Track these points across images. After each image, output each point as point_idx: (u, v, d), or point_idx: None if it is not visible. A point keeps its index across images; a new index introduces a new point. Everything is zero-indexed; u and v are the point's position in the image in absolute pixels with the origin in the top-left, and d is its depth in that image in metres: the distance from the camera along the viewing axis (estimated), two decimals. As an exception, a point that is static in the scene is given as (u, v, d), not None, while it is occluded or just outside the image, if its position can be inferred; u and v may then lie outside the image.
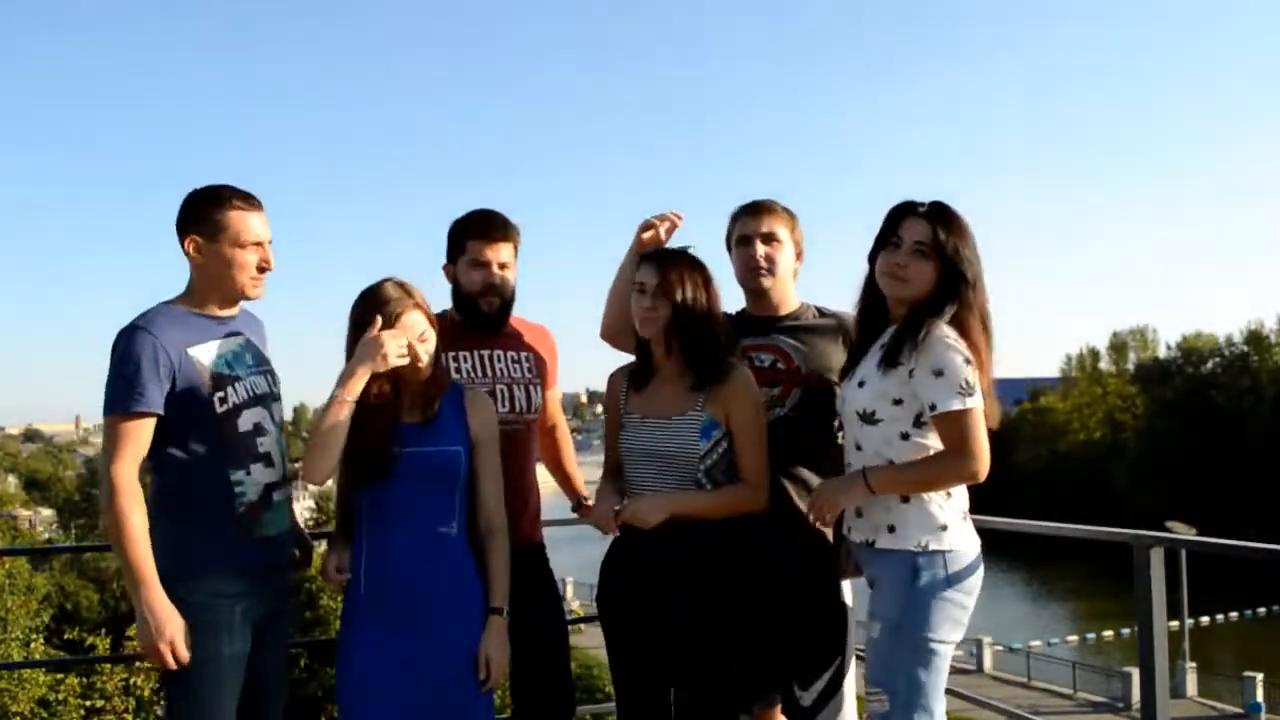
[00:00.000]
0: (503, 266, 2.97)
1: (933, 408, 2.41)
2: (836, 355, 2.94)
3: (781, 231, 3.02)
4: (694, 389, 2.69)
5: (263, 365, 2.73)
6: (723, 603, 2.67)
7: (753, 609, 2.74)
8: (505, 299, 3.00)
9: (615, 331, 2.97)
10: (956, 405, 2.38)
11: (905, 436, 2.48)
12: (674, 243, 2.91)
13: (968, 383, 2.39)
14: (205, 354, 2.57)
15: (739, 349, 2.96)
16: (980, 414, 2.42)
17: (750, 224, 3.02)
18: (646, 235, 2.94)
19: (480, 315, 2.97)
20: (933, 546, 2.45)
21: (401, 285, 2.61)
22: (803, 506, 2.85)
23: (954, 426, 2.40)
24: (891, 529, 2.48)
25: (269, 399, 2.70)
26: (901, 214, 2.55)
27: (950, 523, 2.48)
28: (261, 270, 2.63)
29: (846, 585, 2.99)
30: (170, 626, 2.45)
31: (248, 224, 2.59)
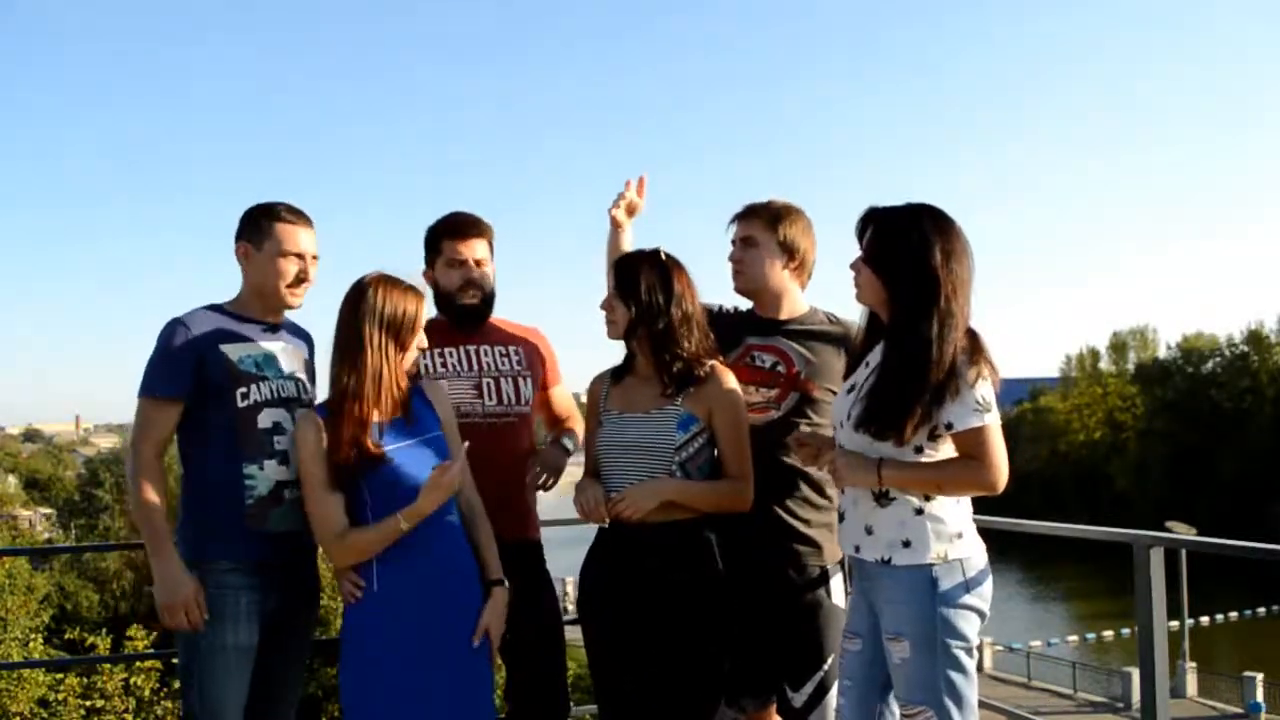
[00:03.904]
0: (478, 263, 3.03)
1: (949, 426, 2.37)
2: (838, 364, 2.94)
3: (761, 235, 2.97)
4: (670, 391, 2.68)
5: (294, 374, 2.80)
6: (709, 603, 2.66)
7: (740, 609, 2.73)
8: (485, 294, 3.05)
9: None
10: (975, 423, 2.36)
11: (919, 449, 2.43)
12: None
13: (984, 399, 2.36)
14: (236, 352, 2.69)
15: (743, 347, 2.96)
16: (998, 428, 2.40)
17: (732, 228, 3.04)
18: (614, 212, 3.03)
19: (462, 311, 3.01)
20: (951, 555, 2.41)
21: (411, 286, 2.65)
22: (797, 512, 2.88)
23: (973, 441, 2.37)
24: (907, 544, 2.42)
25: (294, 404, 2.76)
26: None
27: (965, 530, 2.46)
28: (300, 281, 2.77)
29: (836, 584, 2.97)
30: (184, 588, 2.57)
31: (292, 236, 2.75)
